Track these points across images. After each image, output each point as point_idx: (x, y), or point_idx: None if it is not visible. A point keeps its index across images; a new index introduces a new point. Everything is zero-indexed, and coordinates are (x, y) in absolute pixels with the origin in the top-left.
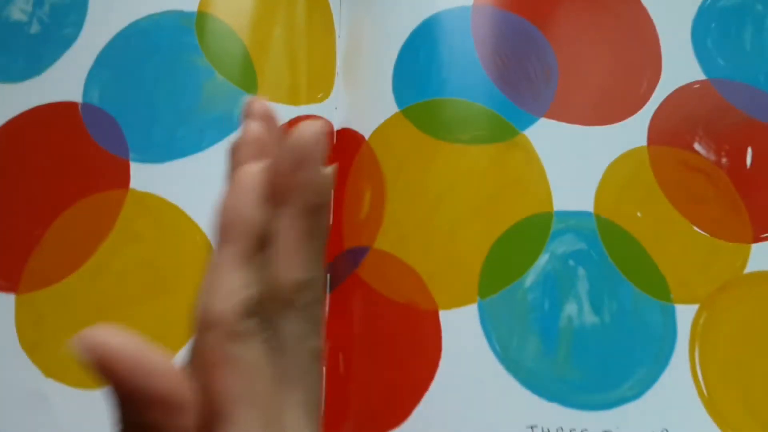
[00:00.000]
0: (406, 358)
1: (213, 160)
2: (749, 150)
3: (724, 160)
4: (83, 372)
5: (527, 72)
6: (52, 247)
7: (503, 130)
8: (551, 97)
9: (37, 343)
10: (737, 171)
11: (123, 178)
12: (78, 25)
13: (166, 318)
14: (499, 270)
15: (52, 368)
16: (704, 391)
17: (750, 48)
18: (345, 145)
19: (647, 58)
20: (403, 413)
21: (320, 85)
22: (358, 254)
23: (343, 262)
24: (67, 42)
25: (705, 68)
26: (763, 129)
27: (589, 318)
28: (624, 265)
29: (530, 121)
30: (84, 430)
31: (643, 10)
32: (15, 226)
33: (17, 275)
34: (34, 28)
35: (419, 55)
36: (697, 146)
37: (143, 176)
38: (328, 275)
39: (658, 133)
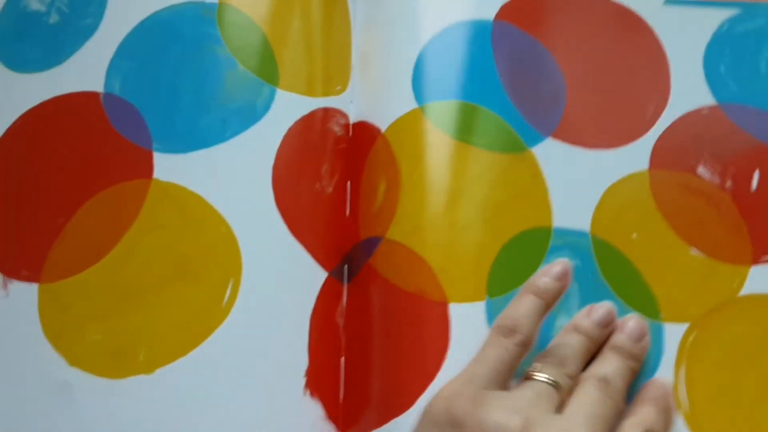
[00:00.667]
0: (415, 347)
1: (236, 150)
2: (756, 173)
3: (728, 183)
4: (109, 361)
5: (539, 92)
6: (75, 237)
7: (514, 143)
8: (558, 119)
9: (61, 332)
10: (742, 194)
11: (146, 168)
12: (98, 16)
13: (190, 308)
14: (506, 273)
15: (77, 357)
16: (687, 408)
17: (765, 72)
18: (361, 137)
19: (655, 85)
20: (408, 401)
21: (338, 77)
22: (372, 244)
23: (359, 252)
24: (88, 32)
25: (716, 93)
26: None
27: None
28: (615, 283)
29: (538, 139)
30: (109, 419)
31: (655, 40)
32: (37, 217)
33: (40, 265)
34: (53, 18)
35: (441, 58)
36: (701, 170)
37: (166, 166)
38: (346, 267)
39: (661, 157)
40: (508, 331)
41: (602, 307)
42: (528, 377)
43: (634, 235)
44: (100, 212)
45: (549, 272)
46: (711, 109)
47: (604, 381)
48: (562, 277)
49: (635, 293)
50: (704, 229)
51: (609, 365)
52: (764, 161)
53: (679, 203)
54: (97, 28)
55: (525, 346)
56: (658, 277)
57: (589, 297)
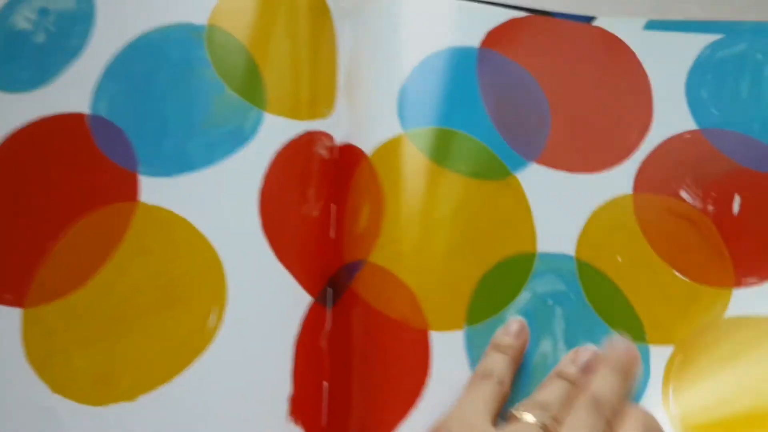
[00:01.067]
0: (396, 374)
1: (223, 174)
2: (737, 197)
3: (710, 207)
4: (92, 387)
5: (523, 117)
6: (60, 261)
7: (498, 170)
8: (543, 144)
9: (44, 358)
10: (723, 218)
11: (132, 191)
12: (84, 36)
13: (175, 333)
14: (486, 301)
15: (60, 384)
16: (679, 428)
17: (746, 96)
18: (346, 159)
19: (638, 110)
20: (389, 428)
21: (325, 100)
22: (354, 268)
23: (343, 276)
24: (74, 52)
25: (697, 118)
26: (753, 177)
27: (563, 356)
28: (600, 306)
29: (522, 165)
30: None
31: (638, 65)
32: (22, 239)
33: (24, 289)
34: (40, 38)
35: (426, 84)
36: (683, 194)
37: (152, 189)
38: (331, 290)
39: (644, 182)
40: (484, 375)
41: (587, 351)
42: (514, 418)
43: (619, 259)
44: (86, 235)
45: (507, 332)
46: (693, 134)
47: (595, 401)
48: (520, 334)
49: (621, 316)
50: (687, 252)
51: (600, 383)
52: (745, 186)
53: (663, 227)
54: (83, 48)
55: (502, 385)
56: (643, 300)
57: (574, 320)
